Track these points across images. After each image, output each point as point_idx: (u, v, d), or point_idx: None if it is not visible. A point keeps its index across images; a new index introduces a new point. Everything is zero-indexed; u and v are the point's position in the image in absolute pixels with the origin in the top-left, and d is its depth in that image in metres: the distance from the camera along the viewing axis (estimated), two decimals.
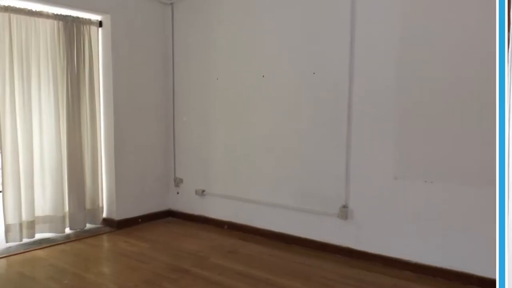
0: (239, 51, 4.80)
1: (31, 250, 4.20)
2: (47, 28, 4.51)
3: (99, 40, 5.00)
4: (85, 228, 4.95)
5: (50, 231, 4.65)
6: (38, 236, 4.56)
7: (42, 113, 4.53)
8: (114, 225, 5.04)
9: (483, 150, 3.28)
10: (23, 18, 4.31)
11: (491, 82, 3.14)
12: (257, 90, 4.66)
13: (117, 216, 5.06)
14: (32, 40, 4.41)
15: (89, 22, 4.85)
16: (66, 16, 4.62)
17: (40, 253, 4.16)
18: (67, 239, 4.57)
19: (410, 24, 3.61)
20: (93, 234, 4.80)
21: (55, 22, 4.56)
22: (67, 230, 4.80)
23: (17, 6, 4.24)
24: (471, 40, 3.32)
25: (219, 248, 4.34)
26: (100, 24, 4.98)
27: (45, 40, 4.51)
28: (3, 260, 3.96)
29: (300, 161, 4.36)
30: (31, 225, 4.47)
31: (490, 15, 3.14)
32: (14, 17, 4.23)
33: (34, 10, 4.37)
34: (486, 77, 3.21)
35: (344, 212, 4.03)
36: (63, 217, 4.72)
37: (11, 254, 4.09)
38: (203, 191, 5.27)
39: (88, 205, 4.97)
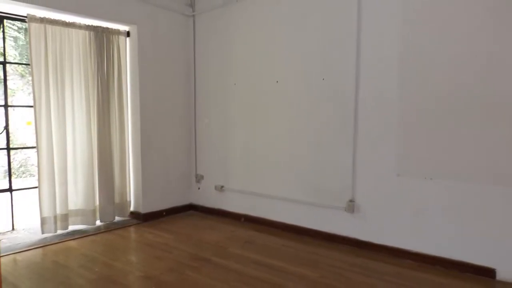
0: (255, 59, 4.75)
1: (64, 241, 4.17)
2: (79, 38, 4.48)
3: (127, 48, 4.95)
4: (114, 220, 4.91)
5: (82, 223, 4.61)
6: (71, 227, 4.54)
7: (74, 116, 4.49)
8: (141, 218, 4.98)
9: (477, 150, 3.26)
10: (57, 28, 4.28)
11: (486, 87, 3.18)
12: (271, 94, 4.61)
13: (143, 210, 5.01)
14: (66, 48, 4.37)
15: (117, 32, 4.80)
16: (97, 26, 4.58)
17: (73, 243, 4.12)
18: (98, 231, 4.53)
19: (412, 33, 3.54)
20: (121, 226, 4.75)
21: (87, 32, 4.52)
22: (98, 222, 4.77)
23: (52, 18, 4.21)
24: (470, 47, 3.25)
25: (236, 239, 4.27)
26: (128, 34, 4.93)
27: (77, 49, 4.47)
28: (40, 249, 3.93)
29: (311, 160, 4.30)
30: (65, 218, 4.43)
31: (488, 23, 3.15)
32: (49, 27, 4.20)
33: (67, 21, 4.34)
34: (482, 82, 3.21)
35: (351, 206, 4.00)
36: (94, 210, 4.69)
37: (46, 244, 4.07)
38: (222, 186, 5.21)
39: (116, 200, 4.93)
